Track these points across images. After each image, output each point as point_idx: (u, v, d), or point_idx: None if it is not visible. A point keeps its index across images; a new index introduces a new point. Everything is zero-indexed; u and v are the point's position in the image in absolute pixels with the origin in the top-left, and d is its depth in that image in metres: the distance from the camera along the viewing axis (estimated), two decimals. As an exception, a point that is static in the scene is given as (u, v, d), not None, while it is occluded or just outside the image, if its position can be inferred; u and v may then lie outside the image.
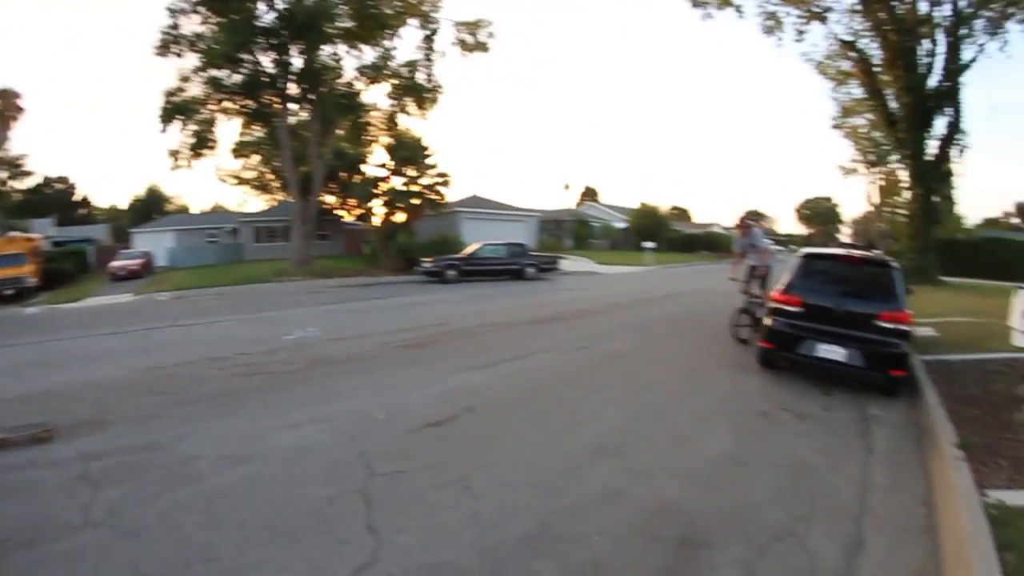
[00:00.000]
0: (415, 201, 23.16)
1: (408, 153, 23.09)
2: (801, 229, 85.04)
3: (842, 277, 5.93)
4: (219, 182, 49.31)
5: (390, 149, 23.83)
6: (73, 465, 3.73)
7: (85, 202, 56.37)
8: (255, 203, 40.79)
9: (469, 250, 19.75)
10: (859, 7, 20.15)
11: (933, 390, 5.09)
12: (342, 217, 32.34)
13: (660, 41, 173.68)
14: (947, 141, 19.31)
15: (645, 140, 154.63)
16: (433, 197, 23.52)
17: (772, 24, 22.06)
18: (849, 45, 21.14)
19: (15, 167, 38.06)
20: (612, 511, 3.11)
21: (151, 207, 51.31)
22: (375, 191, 23.72)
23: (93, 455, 3.87)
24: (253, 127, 27.38)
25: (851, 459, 3.93)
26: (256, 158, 36.93)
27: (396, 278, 20.28)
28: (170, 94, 21.56)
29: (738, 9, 21.62)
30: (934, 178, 19.07)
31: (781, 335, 5.85)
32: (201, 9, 20.15)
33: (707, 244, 43.41)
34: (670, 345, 7.53)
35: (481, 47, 24.55)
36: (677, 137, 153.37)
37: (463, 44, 24.48)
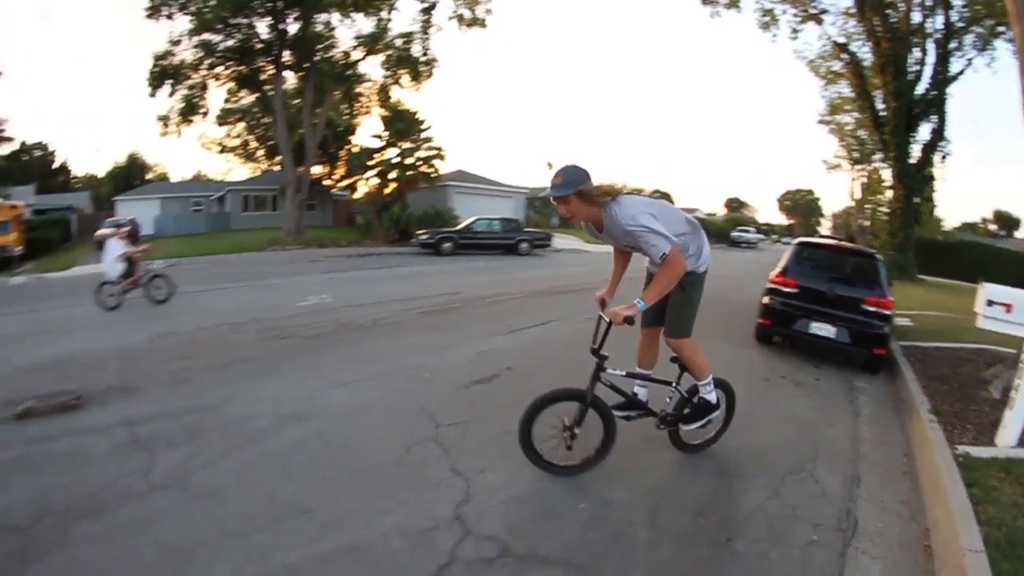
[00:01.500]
0: (410, 174, 23.16)
1: (404, 125, 23.07)
2: (781, 219, 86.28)
3: (832, 264, 6.61)
4: (203, 150, 47.75)
5: (386, 121, 23.69)
6: (117, 431, 3.49)
7: (63, 169, 54.23)
8: (239, 172, 40.16)
9: (464, 224, 20.13)
10: (854, 11, 20.71)
11: (910, 369, 5.71)
12: (330, 188, 32.08)
13: (650, 26, 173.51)
14: (930, 146, 19.98)
15: (630, 123, 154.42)
16: (427, 171, 23.52)
17: (768, 20, 22.64)
18: (842, 47, 21.74)
19: (-3, 131, 36.55)
20: (658, 452, 3.51)
21: (131, 175, 49.69)
22: (370, 162, 23.63)
23: (136, 420, 3.62)
24: (241, 94, 26.69)
25: (842, 418, 4.53)
26: (241, 126, 36.17)
27: (391, 249, 20.49)
28: (159, 57, 21.11)
29: (736, 5, 22.15)
30: (916, 180, 19.83)
31: (778, 313, 6.42)
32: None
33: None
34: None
35: (479, 22, 24.43)
36: (662, 120, 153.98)
37: (461, 19, 24.33)
